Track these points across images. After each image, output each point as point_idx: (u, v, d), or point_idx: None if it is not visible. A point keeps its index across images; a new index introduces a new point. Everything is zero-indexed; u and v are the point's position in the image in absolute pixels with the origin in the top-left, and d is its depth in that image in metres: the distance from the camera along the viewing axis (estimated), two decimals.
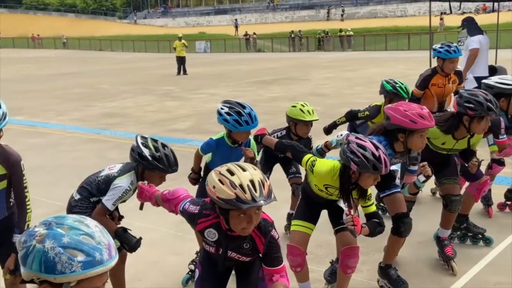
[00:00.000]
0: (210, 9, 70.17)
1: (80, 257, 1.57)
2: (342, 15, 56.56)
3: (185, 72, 24.30)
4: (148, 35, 58.09)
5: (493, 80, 4.90)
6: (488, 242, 4.74)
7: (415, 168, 3.90)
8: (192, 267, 4.35)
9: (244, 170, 2.41)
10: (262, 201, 2.34)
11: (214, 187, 2.39)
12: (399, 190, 3.86)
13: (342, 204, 3.58)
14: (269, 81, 19.99)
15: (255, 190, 2.34)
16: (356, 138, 3.25)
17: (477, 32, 8.79)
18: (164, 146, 3.52)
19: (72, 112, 13.67)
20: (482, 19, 30.91)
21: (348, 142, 3.23)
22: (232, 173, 2.39)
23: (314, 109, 4.66)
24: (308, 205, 3.69)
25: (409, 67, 21.03)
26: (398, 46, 37.78)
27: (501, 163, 4.94)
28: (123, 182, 3.41)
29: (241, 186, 2.34)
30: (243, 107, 3.88)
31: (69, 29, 68.19)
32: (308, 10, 60.66)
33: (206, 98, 15.52)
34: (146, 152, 3.43)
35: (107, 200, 3.36)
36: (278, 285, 2.60)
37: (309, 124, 4.67)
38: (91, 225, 1.66)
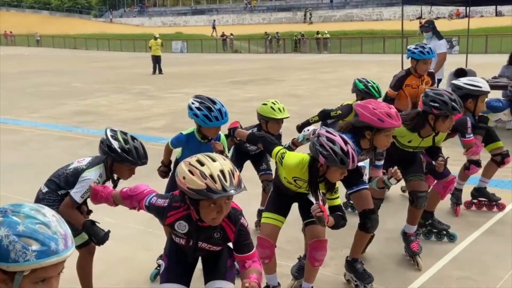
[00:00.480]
0: (187, 9, 69.90)
1: (35, 246, 1.55)
2: (310, 18, 56.88)
3: (160, 72, 24.20)
4: (124, 34, 57.57)
5: (462, 81, 4.99)
6: (452, 238, 4.84)
7: (381, 163, 3.98)
8: (161, 261, 4.35)
9: (214, 160, 2.44)
10: (232, 191, 2.38)
11: (184, 178, 2.41)
12: (366, 186, 3.92)
13: (312, 198, 3.63)
14: (245, 81, 20.03)
15: (225, 180, 2.37)
16: (327, 131, 3.29)
17: (441, 36, 9.11)
18: (133, 138, 3.52)
19: (44, 110, 13.50)
20: (455, 24, 31.32)
21: (318, 135, 3.28)
22: (202, 164, 2.42)
23: (285, 107, 4.70)
24: (279, 198, 3.73)
25: (384, 69, 21.28)
26: (373, 49, 38.18)
27: (478, 165, 5.06)
28: (91, 174, 3.40)
29: (211, 176, 2.36)
30: (214, 102, 3.90)
31: (43, 26, 67.21)
32: (285, 12, 60.90)
33: (181, 97, 15.46)
34: (115, 144, 3.42)
35: (75, 193, 3.35)
36: (251, 271, 2.63)
37: (280, 121, 4.70)
38: (48, 214, 1.64)
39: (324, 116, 5.45)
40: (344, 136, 3.30)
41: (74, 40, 57.75)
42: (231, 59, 34.99)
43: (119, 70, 27.32)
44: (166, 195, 2.79)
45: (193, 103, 3.93)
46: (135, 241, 4.95)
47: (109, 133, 3.48)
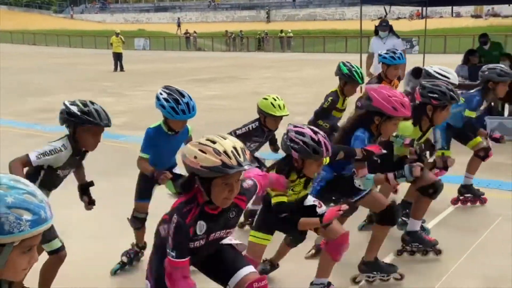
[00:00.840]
0: (150, 6, 69.26)
1: (27, 216, 1.57)
2: (267, 17, 57.07)
3: (122, 69, 23.92)
4: (85, 30, 56.59)
5: (433, 69, 5.05)
6: (424, 231, 4.85)
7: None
8: (125, 259, 4.32)
9: (224, 138, 2.47)
10: (247, 166, 2.41)
11: (195, 157, 2.39)
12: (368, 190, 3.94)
13: (309, 201, 3.54)
14: (208, 79, 19.99)
15: (239, 156, 2.39)
16: (294, 126, 3.29)
17: (398, 35, 9.37)
18: (92, 103, 3.45)
19: (3, 107, 13.14)
20: (415, 25, 31.88)
21: (287, 131, 3.28)
22: (213, 142, 2.42)
23: (285, 104, 4.62)
24: (270, 218, 3.52)
25: None
26: (336, 48, 38.58)
27: (446, 169, 5.19)
28: (53, 143, 3.37)
29: (225, 152, 2.37)
30: (182, 95, 3.83)
31: (1, 21, 65.34)
32: (249, 10, 61.00)
33: (143, 95, 15.34)
34: (74, 108, 3.36)
35: (33, 152, 3.26)
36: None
37: (278, 118, 4.64)
38: (28, 183, 1.67)
39: (322, 115, 5.40)
40: (312, 127, 3.31)
41: (34, 36, 56.43)
42: (194, 57, 34.85)
43: (80, 66, 26.87)
44: (171, 216, 2.52)
45: (161, 94, 3.87)
46: (101, 239, 4.88)
47: (67, 102, 3.44)
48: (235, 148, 2.41)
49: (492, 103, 5.94)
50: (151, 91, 15.87)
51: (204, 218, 2.55)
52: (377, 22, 9.83)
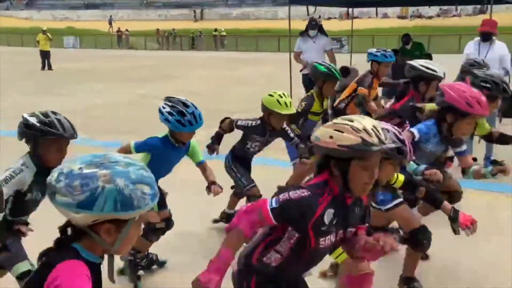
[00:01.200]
0: (80, 3, 67.20)
1: (148, 190, 1.64)
2: (194, 15, 56.97)
3: (50, 67, 23.21)
4: (10, 27, 54.22)
5: (418, 63, 4.97)
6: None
7: (465, 147, 3.66)
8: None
9: (362, 118, 2.27)
10: (390, 144, 2.20)
11: (331, 137, 2.15)
12: (401, 200, 3.56)
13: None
14: (140, 78, 19.72)
15: (380, 134, 2.16)
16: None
17: (326, 34, 9.73)
18: (54, 113, 3.08)
19: None
20: (345, 25, 32.79)
21: None
22: (351, 120, 2.20)
23: (292, 102, 4.40)
24: None
25: (277, 68, 21.92)
26: (268, 47, 39.01)
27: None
28: (11, 166, 3.02)
29: (365, 129, 2.14)
30: (186, 106, 3.65)
31: None
32: (182, 9, 60.54)
33: (72, 95, 14.95)
34: (33, 120, 2.99)
35: None
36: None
37: (284, 116, 4.41)
38: (134, 158, 1.74)
39: (295, 119, 5.14)
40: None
41: None
42: (127, 56, 34.24)
43: (5, 65, 25.74)
44: (296, 186, 2.28)
45: (163, 107, 3.68)
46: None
47: (25, 115, 3.07)
48: (374, 126, 2.17)
49: None
50: (81, 91, 15.60)
51: (335, 205, 2.22)
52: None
